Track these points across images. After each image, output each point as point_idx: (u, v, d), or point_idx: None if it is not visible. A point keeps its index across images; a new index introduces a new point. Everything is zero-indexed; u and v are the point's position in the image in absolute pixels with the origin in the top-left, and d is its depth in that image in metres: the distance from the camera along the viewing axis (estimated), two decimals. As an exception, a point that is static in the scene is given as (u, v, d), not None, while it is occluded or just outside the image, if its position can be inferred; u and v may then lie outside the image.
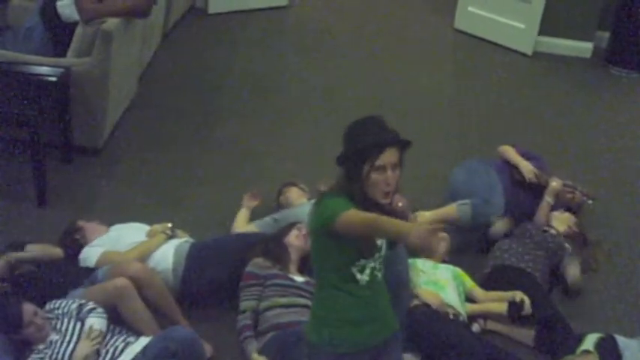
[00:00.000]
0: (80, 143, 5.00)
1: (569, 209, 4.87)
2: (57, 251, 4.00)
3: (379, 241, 2.74)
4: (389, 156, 2.59)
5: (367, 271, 2.73)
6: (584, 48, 7.40)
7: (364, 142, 2.62)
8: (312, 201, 4.53)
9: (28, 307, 3.43)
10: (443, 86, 6.69)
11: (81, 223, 4.17)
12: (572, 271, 4.41)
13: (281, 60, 6.79)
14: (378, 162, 2.59)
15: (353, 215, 2.55)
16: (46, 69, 4.68)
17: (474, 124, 6.12)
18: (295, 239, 4.12)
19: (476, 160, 5.01)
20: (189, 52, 6.73)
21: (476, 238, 4.68)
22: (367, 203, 2.64)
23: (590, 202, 4.91)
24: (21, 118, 4.41)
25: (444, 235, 4.40)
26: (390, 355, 2.91)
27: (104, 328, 3.51)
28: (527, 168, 4.82)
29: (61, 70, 4.68)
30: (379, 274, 2.78)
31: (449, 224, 4.51)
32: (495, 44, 7.36)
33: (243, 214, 4.55)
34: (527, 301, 4.02)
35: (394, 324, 2.89)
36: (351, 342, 2.77)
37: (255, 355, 3.67)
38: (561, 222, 4.65)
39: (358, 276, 2.72)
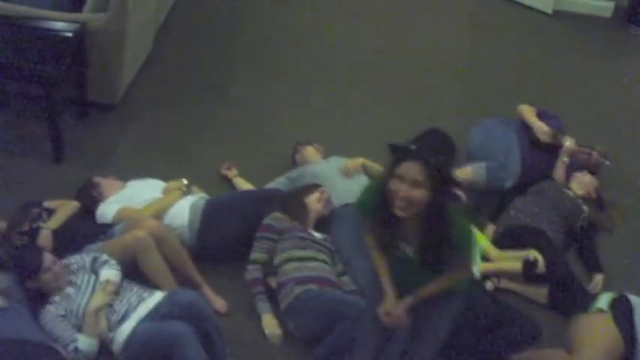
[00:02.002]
0: (96, 99, 5.00)
1: (586, 170, 4.83)
2: (74, 204, 4.02)
3: (406, 247, 2.79)
4: (410, 169, 2.55)
5: (399, 263, 2.86)
6: (604, 7, 7.27)
7: (398, 146, 2.61)
8: (328, 160, 4.57)
9: (48, 255, 3.51)
10: (461, 45, 6.61)
11: (97, 179, 4.20)
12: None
13: (297, 18, 6.72)
14: (398, 170, 2.58)
15: (371, 247, 2.88)
16: (61, 24, 4.65)
17: (492, 83, 6.05)
18: (316, 202, 4.12)
19: (495, 120, 4.95)
20: (205, 9, 6.67)
21: (490, 198, 4.66)
22: (388, 205, 2.64)
23: (607, 162, 4.87)
24: (36, 74, 4.39)
25: (460, 194, 4.40)
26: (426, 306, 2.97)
27: (118, 280, 3.55)
28: (541, 129, 4.77)
29: (77, 25, 4.64)
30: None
31: (463, 186, 4.51)
32: (515, 2, 7.24)
33: (239, 182, 4.56)
34: (541, 260, 4.03)
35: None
36: None
37: (268, 316, 3.72)
38: (581, 186, 4.61)
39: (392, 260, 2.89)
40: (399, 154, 2.60)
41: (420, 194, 2.55)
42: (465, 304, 3.15)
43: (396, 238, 2.77)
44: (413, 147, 2.58)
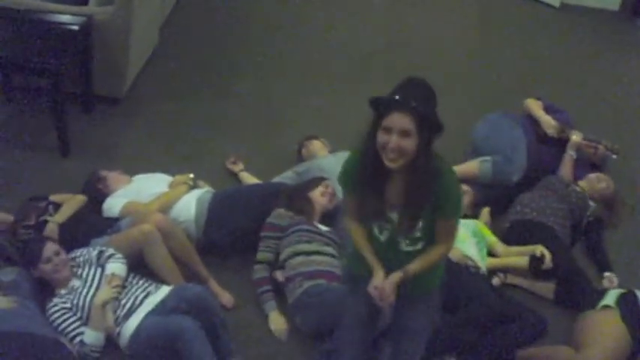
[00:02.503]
0: (102, 93, 5.00)
1: (592, 164, 4.82)
2: (81, 198, 4.02)
3: (391, 215, 2.72)
4: (397, 120, 2.51)
5: (385, 234, 2.77)
6: (611, 0, 7.25)
7: (382, 98, 2.57)
8: (335, 154, 4.56)
9: (51, 246, 3.52)
10: (468, 38, 6.60)
11: (103, 173, 4.19)
12: None
13: (304, 11, 6.71)
14: (385, 122, 2.54)
15: (351, 221, 2.84)
16: (67, 17, 4.65)
17: (499, 77, 6.04)
18: (320, 196, 4.12)
19: (501, 115, 4.92)
20: (209, 4, 6.66)
21: (497, 193, 4.64)
22: (376, 162, 2.60)
23: (614, 156, 4.85)
24: (43, 67, 4.39)
25: (466, 188, 4.40)
26: (407, 308, 2.95)
27: (124, 274, 3.55)
28: (548, 123, 4.76)
29: (83, 18, 4.65)
30: (403, 246, 2.77)
31: (469, 180, 4.50)
32: (523, -5, 7.24)
33: (244, 176, 4.56)
34: (547, 255, 4.01)
35: (411, 288, 2.86)
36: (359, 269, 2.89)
37: (274, 314, 3.72)
38: (591, 187, 4.59)
39: (375, 232, 2.78)
40: (384, 106, 2.56)
41: (409, 143, 2.52)
42: (440, 301, 3.11)
43: (381, 203, 2.70)
44: (397, 97, 2.54)
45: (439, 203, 2.63)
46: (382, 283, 2.72)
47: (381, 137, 2.55)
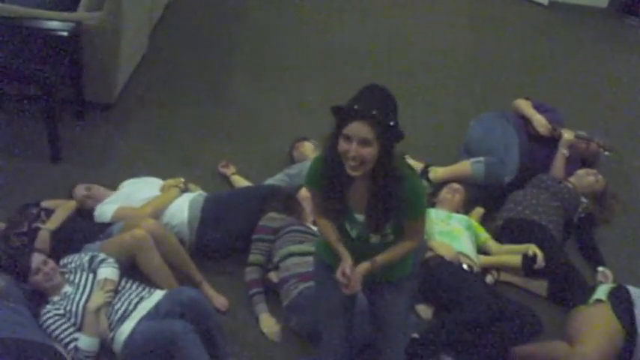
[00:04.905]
0: (92, 99, 5.00)
1: (584, 161, 4.84)
2: (72, 204, 4.02)
3: (357, 217, 2.77)
4: (357, 129, 2.54)
5: (354, 231, 2.82)
6: (600, -2, 7.30)
7: (342, 107, 2.59)
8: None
9: (38, 256, 3.51)
10: (458, 37, 6.61)
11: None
12: None
13: (295, 14, 6.71)
14: (345, 131, 2.57)
15: (320, 220, 2.87)
16: (56, 24, 4.64)
17: (489, 76, 6.06)
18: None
19: (494, 115, 4.95)
20: (199, 7, 6.67)
21: (489, 192, 4.65)
22: (338, 168, 2.63)
23: (606, 153, 4.87)
24: (32, 74, 4.38)
25: (458, 187, 4.41)
26: (379, 297, 3.02)
27: (116, 278, 3.54)
28: (540, 122, 4.77)
29: (72, 24, 4.64)
30: (374, 240, 2.80)
31: (462, 181, 4.51)
32: (511, -5, 7.27)
33: (236, 179, 4.57)
34: (540, 255, 4.03)
35: (383, 276, 2.92)
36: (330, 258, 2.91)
37: (265, 316, 3.72)
38: (580, 182, 4.61)
39: (347, 227, 2.82)
40: (343, 114, 2.58)
41: (369, 152, 2.55)
42: (416, 284, 3.15)
43: (346, 206, 2.75)
44: (356, 107, 2.55)
45: (405, 206, 2.68)
46: (350, 272, 2.74)
47: (342, 145, 2.58)
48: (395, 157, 2.63)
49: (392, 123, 2.56)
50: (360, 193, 2.72)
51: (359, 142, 2.54)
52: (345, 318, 3.08)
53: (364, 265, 2.78)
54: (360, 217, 2.76)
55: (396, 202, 2.66)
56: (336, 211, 2.78)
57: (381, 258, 2.80)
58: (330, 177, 2.70)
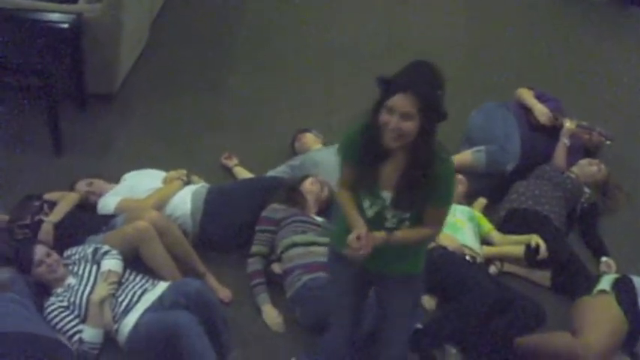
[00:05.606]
0: (94, 90, 4.98)
1: (587, 151, 4.83)
2: (75, 196, 4.01)
3: (384, 193, 2.72)
4: (400, 101, 2.51)
5: (374, 208, 2.75)
6: (602, -13, 7.27)
7: (387, 78, 2.57)
8: (328, 146, 4.56)
9: (41, 248, 3.51)
10: (456, 29, 6.59)
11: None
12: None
13: (295, 7, 6.69)
14: (388, 102, 2.54)
15: (341, 188, 2.82)
16: (57, 16, 4.63)
17: (488, 68, 6.05)
18: (310, 186, 4.14)
19: (495, 104, 4.94)
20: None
21: (491, 182, 4.65)
22: (376, 139, 2.60)
23: (608, 142, 4.87)
24: (34, 66, 4.37)
25: (460, 177, 4.40)
26: (387, 291, 2.98)
27: (120, 270, 3.54)
28: (541, 111, 4.77)
29: (73, 16, 4.62)
30: (389, 224, 2.76)
31: (463, 171, 4.51)
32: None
33: (239, 171, 4.56)
34: (543, 245, 4.03)
35: (393, 269, 2.89)
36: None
37: (267, 307, 3.72)
38: (583, 171, 4.60)
39: (365, 205, 2.76)
40: (388, 86, 2.56)
41: (409, 126, 2.53)
42: (423, 288, 3.12)
43: (374, 180, 2.71)
44: (401, 79, 2.54)
45: (433, 190, 2.64)
46: (365, 236, 2.66)
47: (383, 117, 2.55)
48: (435, 137, 2.60)
49: (436, 100, 2.54)
50: (393, 168, 2.67)
51: (400, 115, 2.52)
52: (354, 313, 3.07)
53: (381, 234, 2.72)
54: (385, 194, 2.70)
55: (427, 183, 2.62)
56: (364, 185, 2.73)
57: (398, 233, 2.74)
58: (366, 147, 2.66)
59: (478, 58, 6.23)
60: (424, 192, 2.64)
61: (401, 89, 2.51)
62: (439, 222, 2.78)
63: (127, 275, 3.58)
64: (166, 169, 4.32)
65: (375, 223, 2.76)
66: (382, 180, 2.70)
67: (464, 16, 6.87)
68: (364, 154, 2.68)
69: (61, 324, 3.35)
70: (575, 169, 4.62)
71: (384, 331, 3.08)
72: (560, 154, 4.69)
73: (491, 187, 4.60)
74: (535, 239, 4.06)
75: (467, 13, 6.94)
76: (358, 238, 2.64)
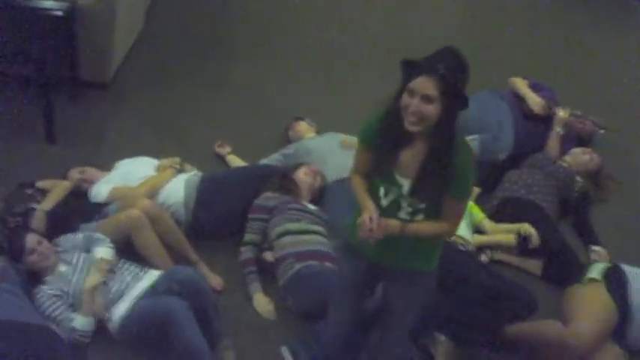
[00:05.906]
0: (87, 79, 4.97)
1: (580, 140, 4.84)
2: (67, 184, 4.02)
3: (401, 180, 2.68)
4: (422, 84, 2.49)
5: (389, 197, 2.72)
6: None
7: (411, 60, 2.55)
8: (321, 135, 4.56)
9: (32, 237, 3.50)
10: (455, 19, 6.59)
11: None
12: None
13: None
14: (410, 84, 2.52)
15: (355, 175, 2.79)
16: (51, 3, 4.60)
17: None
18: (304, 175, 4.14)
19: (488, 93, 4.94)
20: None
21: (485, 171, 4.65)
22: (397, 123, 2.58)
23: (601, 131, 4.88)
24: (27, 54, 4.36)
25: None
26: (395, 286, 2.95)
27: (111, 258, 3.55)
28: (534, 100, 4.77)
29: (67, 4, 4.60)
30: (403, 214, 2.72)
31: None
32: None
33: (232, 159, 4.57)
34: (534, 234, 4.03)
35: (405, 264, 2.86)
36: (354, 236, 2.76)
37: (259, 295, 3.73)
38: (577, 162, 4.61)
39: (380, 193, 2.73)
40: (412, 68, 2.54)
41: (430, 109, 2.50)
42: (435, 287, 3.07)
43: (392, 165, 2.67)
44: (424, 62, 2.53)
45: (452, 180, 2.60)
46: (377, 218, 2.62)
47: (405, 99, 2.53)
48: (455, 123, 2.57)
49: (459, 85, 2.51)
50: (412, 155, 2.64)
51: (421, 98, 2.49)
52: (356, 309, 3.06)
53: (395, 222, 2.68)
54: (403, 181, 2.67)
55: (446, 172, 2.58)
56: (382, 170, 2.69)
57: (413, 225, 2.69)
58: (386, 132, 2.64)
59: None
60: (443, 181, 2.60)
61: (424, 71, 2.50)
62: (456, 218, 2.73)
63: (119, 264, 3.58)
64: (159, 156, 4.32)
65: (389, 212, 2.71)
66: (400, 167, 2.66)
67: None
68: (384, 139, 2.65)
69: (53, 312, 3.35)
70: (568, 157, 4.63)
71: (386, 328, 3.05)
72: (553, 143, 4.69)
73: (484, 176, 4.60)
74: (527, 228, 4.06)
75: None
76: (370, 219, 2.61)
